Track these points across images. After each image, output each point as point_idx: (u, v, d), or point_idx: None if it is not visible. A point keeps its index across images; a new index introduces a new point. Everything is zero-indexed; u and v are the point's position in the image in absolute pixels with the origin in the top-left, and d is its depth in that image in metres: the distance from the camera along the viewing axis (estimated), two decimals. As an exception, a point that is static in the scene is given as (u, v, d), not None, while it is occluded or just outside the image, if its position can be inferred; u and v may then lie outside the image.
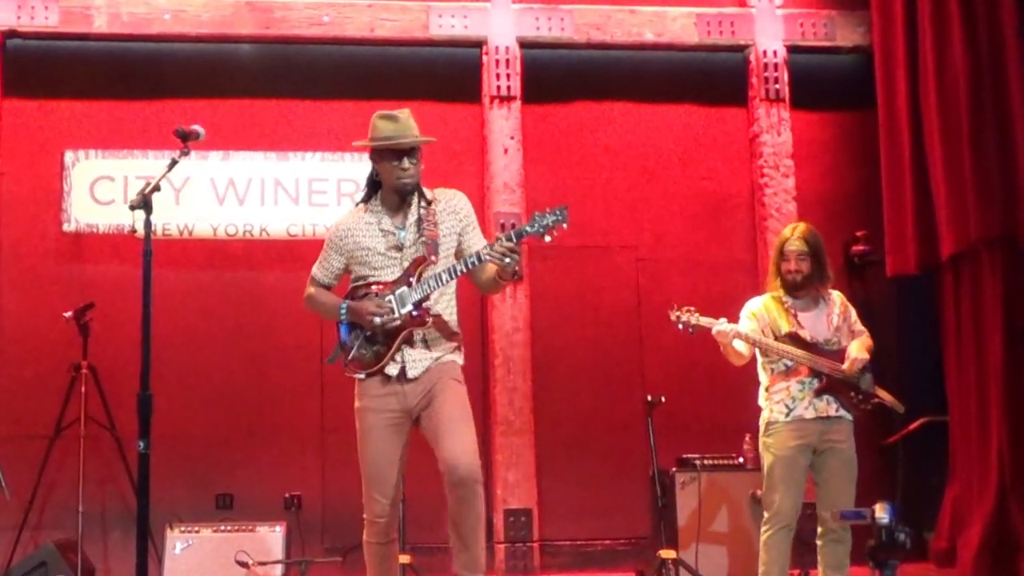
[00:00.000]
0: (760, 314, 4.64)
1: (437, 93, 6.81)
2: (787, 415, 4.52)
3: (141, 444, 3.43)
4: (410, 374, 3.76)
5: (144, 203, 3.55)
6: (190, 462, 6.15)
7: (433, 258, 3.75)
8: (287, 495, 6.10)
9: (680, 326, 4.65)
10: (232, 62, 6.74)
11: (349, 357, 3.83)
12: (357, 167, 6.61)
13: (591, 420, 6.50)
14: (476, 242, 3.87)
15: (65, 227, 6.41)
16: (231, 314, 6.46)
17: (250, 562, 5.49)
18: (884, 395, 4.69)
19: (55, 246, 6.46)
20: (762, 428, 4.64)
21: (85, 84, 6.61)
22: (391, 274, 3.78)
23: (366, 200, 3.93)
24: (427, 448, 5.98)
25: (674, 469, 5.81)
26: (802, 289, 4.61)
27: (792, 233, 4.64)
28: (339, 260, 3.92)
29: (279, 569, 5.57)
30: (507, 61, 6.71)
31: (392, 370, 3.77)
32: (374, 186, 3.92)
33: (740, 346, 4.60)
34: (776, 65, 6.88)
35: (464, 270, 3.73)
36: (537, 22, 6.77)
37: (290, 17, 6.63)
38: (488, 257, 3.61)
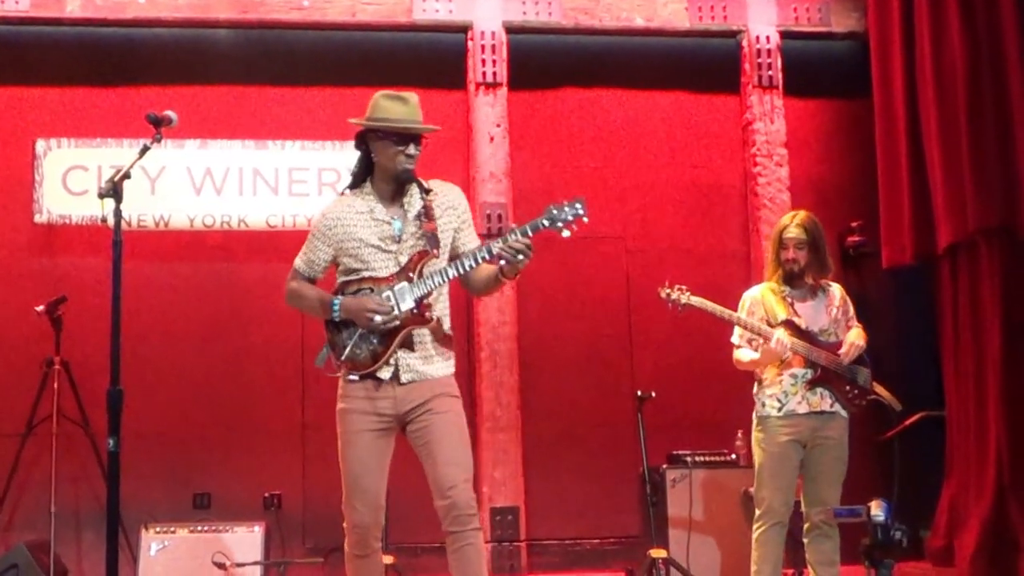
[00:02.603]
0: (757, 304, 4.60)
1: (421, 80, 6.68)
2: (779, 409, 4.49)
3: (111, 441, 3.38)
4: (403, 378, 3.57)
5: (114, 191, 3.48)
6: (166, 460, 6.09)
7: (435, 252, 3.56)
8: (267, 494, 6.04)
9: (670, 304, 4.60)
10: (209, 48, 6.66)
11: (342, 357, 3.58)
12: (339, 156, 6.54)
13: (580, 415, 6.46)
14: (471, 241, 3.71)
15: (37, 218, 6.32)
16: (209, 308, 6.39)
17: (228, 563, 5.44)
18: (882, 392, 4.66)
19: (26, 238, 6.37)
20: (755, 423, 4.61)
21: (57, 70, 6.53)
22: (385, 269, 3.57)
23: (354, 186, 3.71)
24: (407, 445, 5.98)
25: (665, 466, 5.78)
26: (801, 278, 4.57)
27: (791, 221, 4.60)
28: (326, 252, 3.67)
29: (258, 571, 5.52)
30: (493, 47, 6.64)
31: (385, 373, 3.57)
32: (366, 170, 3.70)
33: (753, 354, 4.55)
34: (769, 51, 6.84)
35: (473, 265, 3.53)
36: (524, 6, 6.70)
37: (269, 1, 6.55)
38: (500, 252, 3.43)
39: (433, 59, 6.75)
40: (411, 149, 3.61)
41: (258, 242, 6.47)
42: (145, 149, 3.67)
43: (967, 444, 5.96)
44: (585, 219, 3.52)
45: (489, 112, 6.62)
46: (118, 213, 3.33)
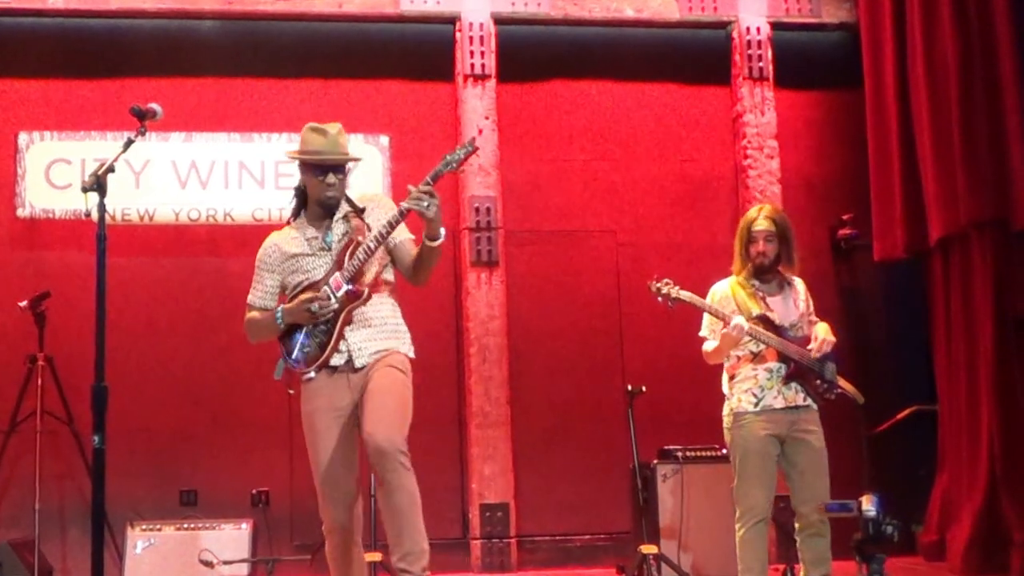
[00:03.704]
0: (727, 299, 4.57)
1: (408, 71, 6.74)
2: (756, 405, 4.43)
3: (96, 438, 3.36)
4: (357, 363, 3.71)
5: (98, 185, 3.46)
6: (152, 457, 6.07)
7: (361, 238, 3.72)
8: (254, 491, 6.03)
9: (660, 299, 4.58)
10: (194, 39, 6.62)
11: (293, 357, 3.78)
12: (326, 149, 6.53)
13: (570, 411, 6.46)
14: (402, 233, 3.82)
15: (19, 212, 6.30)
16: (194, 302, 6.37)
17: (215, 561, 5.43)
18: (845, 385, 4.64)
19: (8, 232, 6.34)
20: (729, 419, 4.53)
21: (40, 63, 6.49)
22: (322, 270, 3.76)
23: (295, 216, 3.94)
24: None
25: (655, 461, 5.77)
26: (769, 272, 4.55)
27: (759, 214, 4.56)
28: (272, 278, 3.90)
29: (245, 568, 5.51)
30: (481, 38, 6.63)
31: (337, 359, 3.72)
32: (302, 200, 3.92)
33: (714, 343, 4.55)
34: (760, 42, 6.84)
35: (388, 230, 3.66)
36: (512, -4, 6.70)
37: (255, -8, 6.54)
38: (408, 206, 3.56)
39: (421, 51, 6.74)
40: (330, 178, 3.76)
41: (244, 236, 6.40)
42: (129, 143, 3.65)
43: (959, 438, 5.97)
44: (477, 153, 3.99)
45: (477, 104, 6.61)
46: (102, 207, 3.31)
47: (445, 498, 6.28)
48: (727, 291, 4.57)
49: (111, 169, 3.52)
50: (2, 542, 5.37)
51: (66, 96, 6.51)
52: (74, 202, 6.25)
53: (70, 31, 6.53)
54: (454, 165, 3.66)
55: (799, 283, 4.65)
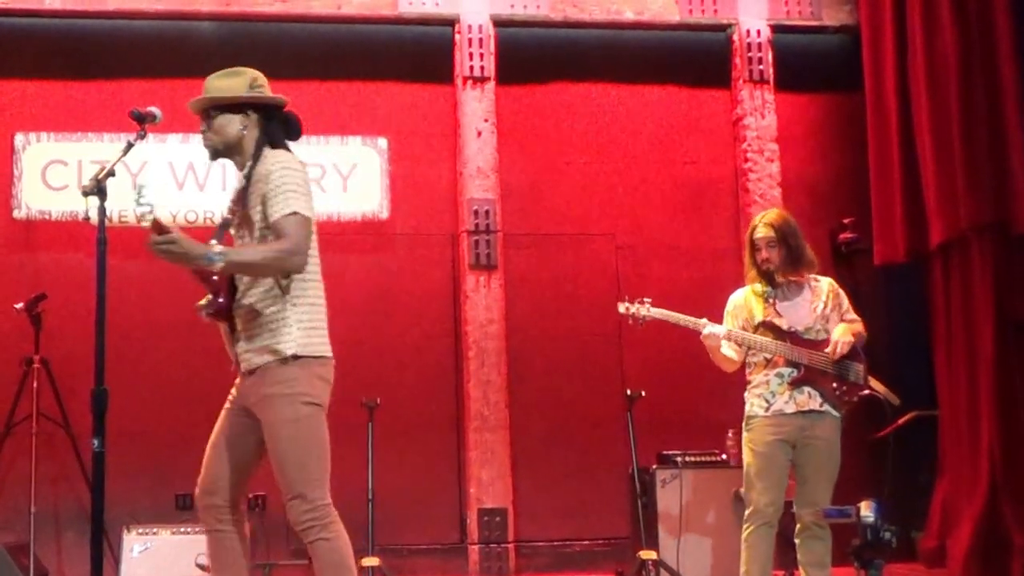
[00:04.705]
0: (740, 308, 4.63)
1: (407, 73, 6.77)
2: (766, 409, 4.51)
3: (95, 442, 3.35)
4: (242, 368, 3.47)
5: (98, 189, 3.43)
6: (149, 460, 6.08)
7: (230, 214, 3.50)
8: (251, 495, 6.05)
9: (631, 321, 4.65)
10: (192, 41, 6.64)
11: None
12: (323, 150, 6.58)
13: (569, 415, 6.48)
14: (274, 211, 3.32)
15: (15, 214, 6.33)
16: (191, 305, 6.32)
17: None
18: (878, 386, 4.68)
19: (4, 234, 6.36)
20: (743, 423, 4.64)
21: (36, 63, 6.51)
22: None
23: None
24: (395, 446, 6.02)
25: (655, 466, 5.80)
26: (778, 277, 4.59)
27: (760, 221, 4.63)
28: None
29: (242, 572, 5.51)
30: (480, 40, 6.66)
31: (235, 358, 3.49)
32: None
33: (728, 351, 4.59)
34: (760, 45, 6.88)
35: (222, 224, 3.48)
36: (511, -1, 6.74)
37: (253, -7, 6.57)
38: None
39: (419, 53, 6.77)
40: (202, 126, 3.55)
41: (242, 238, 6.46)
42: (129, 146, 3.61)
43: (960, 443, 5.99)
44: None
45: (476, 107, 6.64)
46: (102, 211, 3.30)
47: (443, 503, 6.32)
48: (740, 300, 4.65)
49: (111, 173, 3.49)
50: (-2, 550, 5.38)
51: (63, 97, 6.53)
52: (70, 203, 6.28)
53: (67, 32, 6.56)
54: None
55: (824, 283, 4.68)
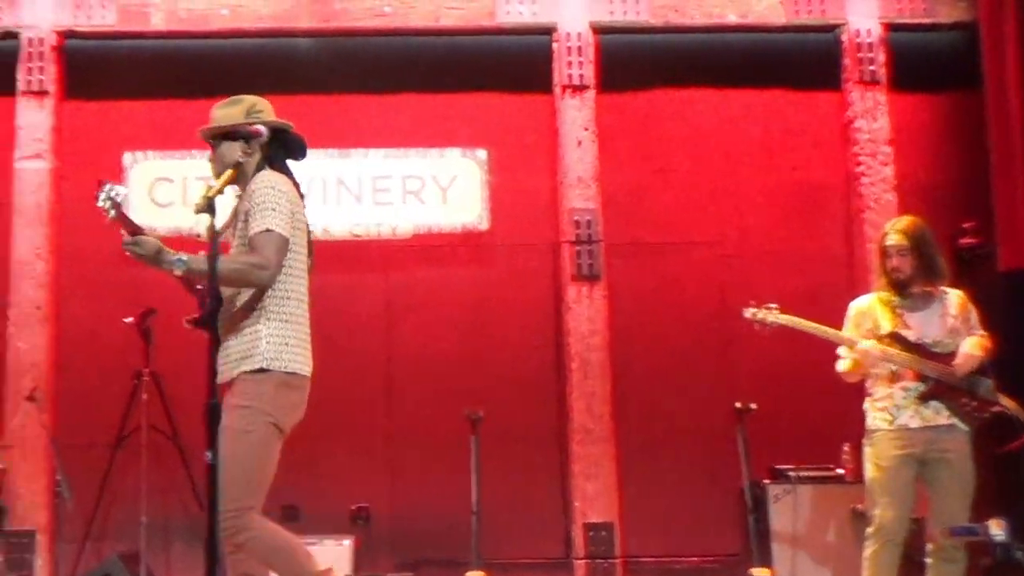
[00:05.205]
0: (864, 316, 4.56)
1: (506, 83, 6.85)
2: (890, 423, 4.44)
3: (209, 455, 3.44)
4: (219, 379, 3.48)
5: (209, 207, 3.55)
6: (253, 472, 6.23)
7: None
8: (354, 507, 6.16)
9: (756, 326, 4.60)
10: (291, 57, 6.85)
11: None
12: (422, 163, 6.70)
13: (676, 428, 6.45)
14: (251, 227, 3.54)
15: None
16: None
17: (317, 577, 5.53)
18: (1007, 403, 4.56)
19: (116, 250, 6.59)
20: (865, 437, 4.56)
21: (143, 84, 6.79)
22: None
23: None
24: (499, 459, 6.06)
25: (767, 481, 5.76)
26: (909, 287, 4.51)
27: (892, 228, 4.57)
28: None
29: (348, 584, 5.62)
30: (579, 48, 6.71)
31: None
32: None
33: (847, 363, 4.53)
34: (871, 45, 6.77)
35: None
36: (611, 5, 6.76)
37: (351, 9, 6.74)
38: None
39: (517, 62, 6.85)
40: (209, 154, 3.75)
41: (342, 251, 6.63)
42: (237, 165, 3.75)
43: (1095, 458, 5.77)
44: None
45: (576, 115, 6.68)
46: (213, 229, 3.42)
47: (547, 516, 6.35)
48: (865, 307, 4.58)
49: (221, 191, 3.62)
50: (112, 555, 5.59)
51: (168, 116, 6.78)
52: (176, 219, 6.52)
53: (172, 52, 6.81)
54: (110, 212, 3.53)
55: (953, 296, 4.59)
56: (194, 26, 6.71)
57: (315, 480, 6.28)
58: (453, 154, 6.76)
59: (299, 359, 3.60)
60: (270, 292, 3.51)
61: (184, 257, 3.41)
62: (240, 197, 3.66)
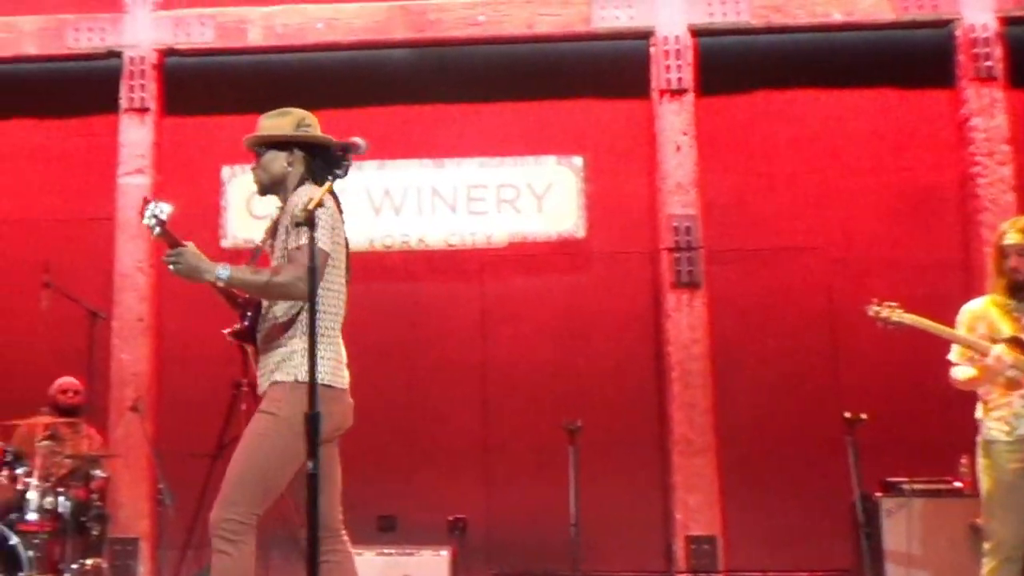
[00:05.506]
0: (978, 319, 4.41)
1: (601, 89, 6.88)
2: (1008, 434, 4.28)
3: (310, 464, 3.51)
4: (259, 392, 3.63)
5: (308, 220, 3.63)
6: (350, 482, 6.29)
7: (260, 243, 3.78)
8: (451, 518, 6.20)
9: (879, 323, 4.47)
10: (385, 68, 7.01)
11: None
12: (517, 172, 6.75)
13: (781, 439, 6.36)
14: (290, 241, 3.58)
15: (223, 243, 6.80)
16: (389, 328, 6.66)
17: (417, 587, 5.59)
18: None
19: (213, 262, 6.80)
20: (980, 447, 4.40)
21: (241, 98, 6.99)
22: None
23: None
24: (597, 470, 6.03)
25: (879, 494, 5.63)
26: None
27: (1011, 227, 4.43)
28: None
29: (446, 595, 5.65)
30: (677, 51, 6.69)
31: None
32: None
33: (971, 370, 4.38)
34: (987, 40, 6.60)
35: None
36: (710, 7, 6.74)
37: (444, 19, 6.85)
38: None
39: (614, 67, 6.89)
40: (253, 163, 3.81)
41: (437, 261, 6.73)
42: (335, 177, 3.81)
43: None
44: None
45: (675, 120, 6.66)
46: (313, 241, 3.49)
47: (647, 529, 6.32)
48: (979, 310, 4.44)
49: (320, 204, 3.68)
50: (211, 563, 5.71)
51: (264, 129, 6.95)
52: (274, 232, 6.68)
53: (268, 66, 7.05)
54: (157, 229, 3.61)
55: None
56: (290, 40, 6.91)
57: (412, 490, 6.37)
58: (548, 162, 6.80)
59: (332, 372, 3.65)
60: (305, 306, 3.52)
61: (224, 268, 3.51)
62: (281, 209, 3.74)
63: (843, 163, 6.73)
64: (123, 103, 6.92)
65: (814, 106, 6.81)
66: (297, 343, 3.56)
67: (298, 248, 3.48)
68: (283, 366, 3.55)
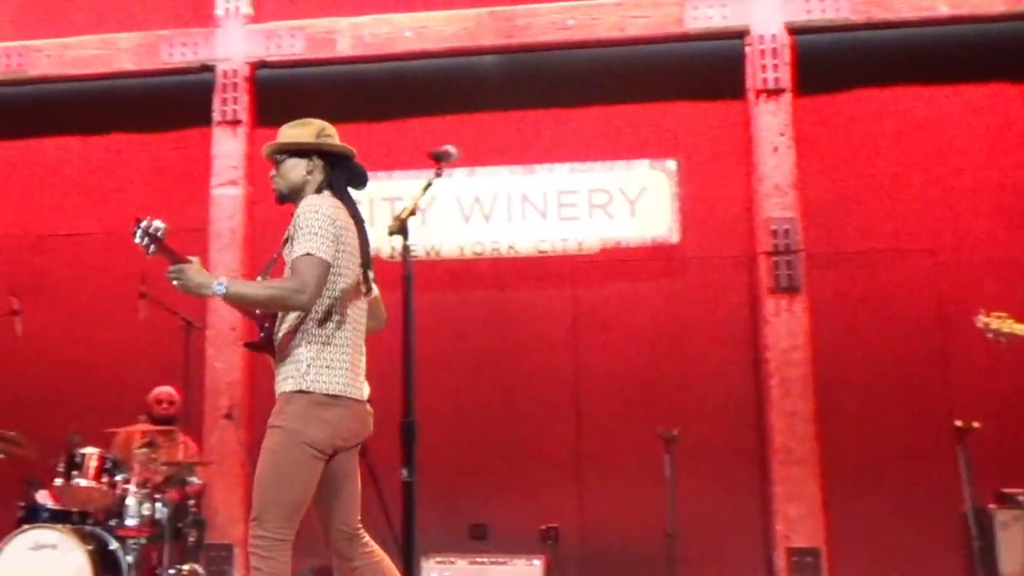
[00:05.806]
0: None
1: (695, 91, 6.85)
2: None
3: (404, 472, 3.55)
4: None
5: (402, 228, 3.71)
6: (442, 489, 6.38)
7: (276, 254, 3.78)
8: (543, 527, 6.21)
9: (989, 335, 4.36)
10: (475, 75, 7.10)
11: None
12: (608, 177, 6.77)
13: (887, 448, 6.23)
14: (293, 251, 3.58)
15: (315, 252, 6.90)
16: (480, 336, 6.73)
17: (508, 596, 5.61)
18: None
19: (304, 272, 6.96)
20: None
21: (331, 108, 7.01)
22: None
23: None
24: (694, 479, 5.98)
25: (993, 506, 5.50)
26: None
27: None
28: None
29: (539, 605, 5.66)
30: (773, 50, 6.64)
31: None
32: None
33: None
34: (1108, 29, 6.40)
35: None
36: (807, 4, 6.68)
37: (534, 24, 6.92)
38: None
39: (707, 68, 6.86)
40: (272, 171, 3.86)
41: (527, 268, 6.77)
42: (429, 185, 3.90)
43: None
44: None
45: (771, 120, 6.60)
46: (407, 249, 3.55)
47: (746, 540, 6.25)
48: None
49: (414, 212, 3.78)
50: (307, 570, 5.82)
51: (355, 138, 6.88)
52: (365, 240, 6.79)
53: (358, 76, 7.20)
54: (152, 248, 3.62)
55: None
56: (379, 50, 7.05)
57: (504, 499, 6.40)
58: (641, 166, 6.79)
59: (341, 381, 3.62)
60: (311, 315, 3.58)
61: (223, 281, 3.52)
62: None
63: (950, 161, 6.59)
64: (216, 116, 7.14)
65: (919, 103, 6.69)
66: (303, 352, 3.59)
67: (304, 256, 3.50)
68: (289, 376, 3.60)
